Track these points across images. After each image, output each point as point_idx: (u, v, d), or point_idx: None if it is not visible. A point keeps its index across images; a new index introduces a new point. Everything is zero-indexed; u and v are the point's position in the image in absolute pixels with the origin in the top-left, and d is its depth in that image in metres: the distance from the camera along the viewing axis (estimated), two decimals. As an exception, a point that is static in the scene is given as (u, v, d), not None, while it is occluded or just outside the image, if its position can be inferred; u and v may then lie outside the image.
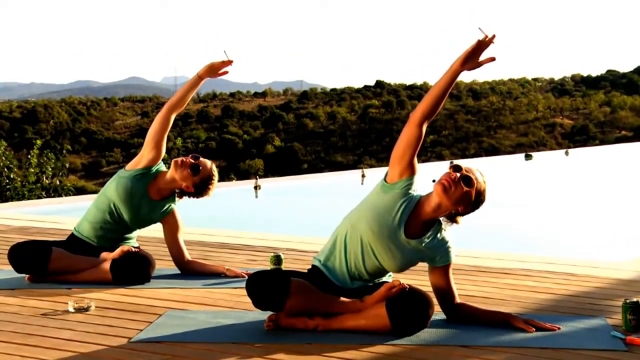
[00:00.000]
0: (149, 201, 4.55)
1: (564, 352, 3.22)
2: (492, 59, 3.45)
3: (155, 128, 4.55)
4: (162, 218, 4.62)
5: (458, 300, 3.62)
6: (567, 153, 23.80)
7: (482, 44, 3.41)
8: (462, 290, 4.36)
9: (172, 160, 4.51)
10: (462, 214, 3.51)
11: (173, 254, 4.69)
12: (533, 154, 22.65)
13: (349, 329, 3.42)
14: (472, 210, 3.51)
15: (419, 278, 4.53)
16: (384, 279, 3.64)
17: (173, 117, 4.57)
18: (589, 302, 4.13)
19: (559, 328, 3.53)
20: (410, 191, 3.50)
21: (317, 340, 3.31)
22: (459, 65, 3.44)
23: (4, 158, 12.97)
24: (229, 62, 4.52)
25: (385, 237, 3.48)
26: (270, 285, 3.42)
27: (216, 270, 4.66)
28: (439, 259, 3.55)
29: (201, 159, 4.53)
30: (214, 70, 4.55)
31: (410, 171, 3.49)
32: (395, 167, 3.49)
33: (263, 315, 3.59)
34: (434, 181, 3.49)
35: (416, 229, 3.51)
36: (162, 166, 4.62)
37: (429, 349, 3.26)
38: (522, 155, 22.36)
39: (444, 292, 3.60)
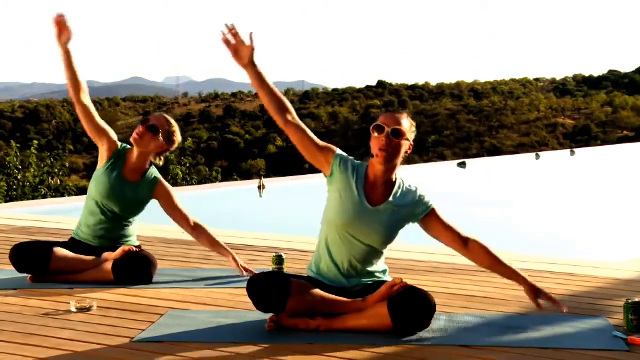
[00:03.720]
0: (131, 184, 4.52)
1: (565, 352, 3.22)
2: None
3: (84, 120, 4.49)
4: (151, 194, 4.57)
5: (465, 234, 3.57)
6: (572, 153, 23.69)
7: None
8: (462, 290, 4.37)
9: (131, 140, 4.47)
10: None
11: (179, 223, 4.60)
12: (541, 154, 22.58)
13: (351, 328, 3.42)
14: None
15: (419, 278, 4.54)
16: (384, 277, 3.64)
17: (84, 98, 4.44)
18: (590, 302, 4.13)
19: (566, 310, 3.50)
20: (348, 163, 3.54)
21: (319, 341, 3.31)
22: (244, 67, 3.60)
23: (14, 159, 13.03)
24: None
25: (356, 215, 3.49)
26: (271, 286, 3.43)
27: (224, 254, 4.59)
28: (419, 210, 3.55)
29: (149, 117, 4.50)
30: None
31: (327, 151, 3.56)
32: (318, 163, 3.57)
33: (264, 315, 3.58)
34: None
35: (379, 194, 3.54)
36: (125, 146, 4.58)
37: (430, 349, 3.26)
38: (533, 155, 22.30)
39: (449, 237, 3.57)
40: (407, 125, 3.52)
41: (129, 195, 4.52)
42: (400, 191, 3.56)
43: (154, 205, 4.73)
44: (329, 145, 3.59)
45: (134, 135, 4.48)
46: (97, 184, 4.53)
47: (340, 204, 3.52)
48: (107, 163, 4.53)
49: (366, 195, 3.52)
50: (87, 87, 4.51)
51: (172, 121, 4.57)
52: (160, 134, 4.48)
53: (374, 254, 3.58)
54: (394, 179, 3.57)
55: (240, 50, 3.56)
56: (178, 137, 4.58)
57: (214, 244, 4.62)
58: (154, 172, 4.60)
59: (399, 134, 3.47)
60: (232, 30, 3.56)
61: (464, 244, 3.56)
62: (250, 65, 3.57)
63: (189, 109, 75.36)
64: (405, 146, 3.52)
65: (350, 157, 3.60)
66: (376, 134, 3.48)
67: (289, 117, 3.57)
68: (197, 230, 4.60)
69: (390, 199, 3.53)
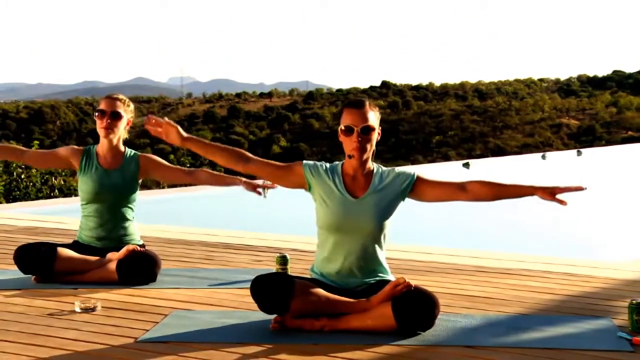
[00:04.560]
0: (114, 171, 4.56)
1: (569, 353, 3.22)
2: None
3: (41, 163, 4.84)
4: (138, 169, 4.60)
5: (459, 182, 3.58)
6: (579, 153, 23.49)
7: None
8: (463, 290, 4.37)
9: (102, 134, 4.52)
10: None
11: (179, 179, 4.71)
12: (547, 154, 22.46)
13: (355, 329, 3.42)
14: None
15: (419, 278, 4.54)
16: (387, 277, 3.64)
17: (20, 154, 4.68)
18: (594, 302, 4.12)
19: (585, 187, 3.43)
20: (318, 168, 3.59)
21: (323, 341, 3.32)
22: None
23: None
24: None
25: (343, 212, 3.53)
26: (274, 288, 3.43)
27: (232, 182, 4.60)
28: (404, 185, 3.58)
29: (101, 107, 4.51)
30: None
31: (294, 167, 3.61)
32: (295, 183, 3.62)
33: (269, 315, 3.58)
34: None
35: (360, 185, 3.58)
36: (89, 147, 4.66)
37: (434, 349, 3.26)
38: (539, 155, 22.20)
39: (445, 191, 3.58)
40: (374, 117, 3.56)
41: (117, 181, 4.55)
42: (378, 176, 3.60)
43: (154, 205, 4.74)
44: (293, 162, 3.65)
45: (102, 130, 4.51)
46: (84, 186, 4.56)
47: (326, 207, 3.56)
48: (81, 166, 4.58)
49: (348, 189, 3.57)
50: (8, 144, 4.82)
51: (119, 95, 4.63)
52: (122, 113, 4.53)
53: (373, 249, 3.58)
54: (372, 168, 3.62)
55: (168, 133, 3.62)
56: (131, 105, 4.65)
57: (218, 178, 4.66)
58: (130, 150, 4.66)
59: (368, 130, 3.51)
60: (152, 121, 3.64)
61: (463, 189, 3.57)
62: (186, 141, 3.62)
63: (193, 109, 75.40)
64: (376, 136, 3.57)
65: (319, 162, 3.65)
66: (346, 136, 3.52)
67: (245, 160, 3.60)
68: (197, 173, 4.67)
69: (372, 186, 3.57)
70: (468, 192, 3.58)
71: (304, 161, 3.65)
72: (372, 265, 3.60)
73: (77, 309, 3.80)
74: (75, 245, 4.57)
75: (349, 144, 3.52)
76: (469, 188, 3.57)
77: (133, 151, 4.67)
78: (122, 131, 4.58)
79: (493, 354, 3.20)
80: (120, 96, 4.62)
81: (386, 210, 3.57)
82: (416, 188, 3.60)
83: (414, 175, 3.60)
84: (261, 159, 3.64)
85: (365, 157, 3.54)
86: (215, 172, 4.73)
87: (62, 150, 4.67)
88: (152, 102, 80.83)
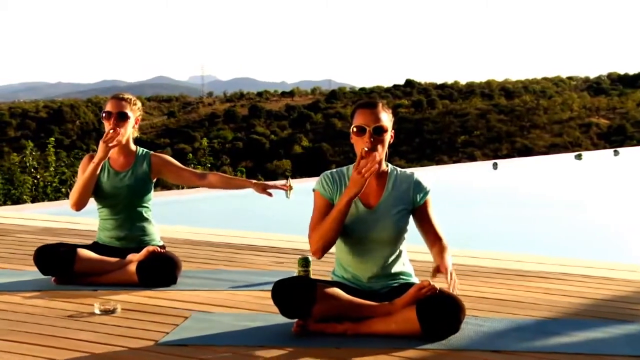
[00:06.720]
0: (126, 172, 4.53)
1: (598, 358, 3.14)
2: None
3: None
4: (150, 167, 4.57)
5: (440, 233, 3.50)
6: (616, 153, 22.99)
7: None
8: (486, 293, 4.30)
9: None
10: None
11: (192, 181, 4.69)
12: (583, 153, 22.08)
13: (379, 333, 3.36)
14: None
15: (444, 281, 4.45)
16: (411, 279, 3.57)
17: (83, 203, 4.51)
18: (626, 307, 4.03)
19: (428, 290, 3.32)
20: (329, 183, 3.50)
21: (346, 345, 3.27)
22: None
23: (31, 159, 13.09)
24: None
25: (359, 226, 3.45)
26: (296, 293, 3.38)
27: (243, 185, 4.61)
28: (420, 195, 3.51)
29: (108, 108, 4.46)
30: None
31: (322, 202, 3.49)
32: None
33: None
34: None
35: (374, 190, 3.50)
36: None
37: (459, 353, 3.20)
38: (571, 154, 21.88)
39: (426, 235, 3.51)
40: (387, 118, 3.48)
41: (129, 181, 4.52)
42: (392, 179, 3.53)
43: (179, 206, 4.70)
44: (318, 199, 3.52)
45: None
46: (97, 189, 4.52)
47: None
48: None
49: (361, 197, 3.46)
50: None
51: (124, 95, 4.59)
52: (129, 113, 4.49)
53: (393, 254, 3.52)
54: (386, 169, 3.55)
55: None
56: (138, 102, 4.61)
57: (228, 181, 4.66)
58: (141, 149, 4.64)
59: (381, 131, 3.43)
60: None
61: (432, 246, 3.49)
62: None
63: (214, 108, 75.64)
64: (388, 137, 3.48)
65: (326, 175, 3.53)
66: (358, 136, 3.44)
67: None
68: (208, 177, 4.66)
69: (385, 191, 3.50)
70: (431, 248, 3.47)
71: (319, 190, 3.52)
72: (394, 269, 3.54)
73: (97, 311, 3.77)
74: (94, 246, 4.55)
75: (360, 145, 3.43)
76: (433, 246, 3.46)
77: (145, 150, 4.64)
78: (130, 131, 4.54)
79: (519, 359, 3.12)
80: (126, 95, 4.58)
81: (402, 218, 3.50)
82: (421, 207, 3.52)
83: (428, 191, 3.53)
84: (319, 222, 3.46)
85: (380, 159, 3.45)
86: (225, 175, 4.72)
87: (83, 165, 4.58)
88: (172, 101, 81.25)
